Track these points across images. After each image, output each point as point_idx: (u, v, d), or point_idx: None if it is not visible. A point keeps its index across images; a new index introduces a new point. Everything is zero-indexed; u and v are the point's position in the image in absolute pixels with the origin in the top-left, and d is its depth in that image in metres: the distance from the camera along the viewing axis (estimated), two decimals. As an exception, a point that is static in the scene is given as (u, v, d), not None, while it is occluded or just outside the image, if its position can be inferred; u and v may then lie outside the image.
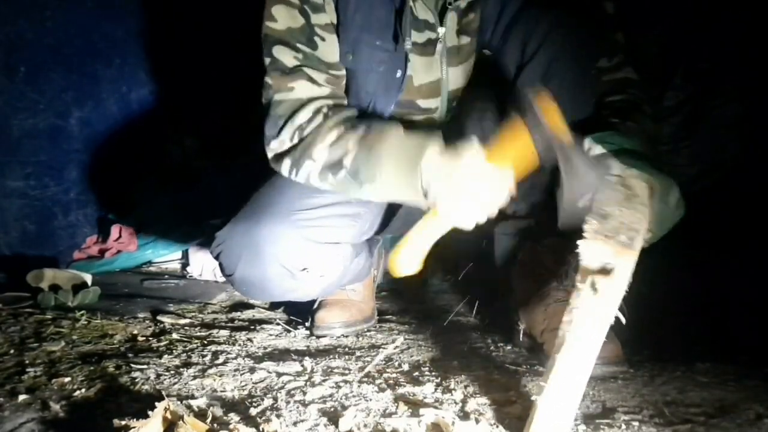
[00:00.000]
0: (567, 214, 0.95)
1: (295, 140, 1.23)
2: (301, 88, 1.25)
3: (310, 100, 1.25)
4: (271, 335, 1.37)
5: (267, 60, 1.28)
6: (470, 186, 1.03)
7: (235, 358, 1.18)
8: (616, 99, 1.25)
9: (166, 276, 2.01)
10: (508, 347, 1.31)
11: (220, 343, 1.27)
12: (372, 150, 1.15)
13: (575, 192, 0.93)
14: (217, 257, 1.29)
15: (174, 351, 1.21)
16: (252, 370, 1.11)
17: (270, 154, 1.27)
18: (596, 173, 0.92)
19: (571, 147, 0.93)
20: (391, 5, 1.27)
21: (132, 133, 2.38)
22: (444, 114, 1.40)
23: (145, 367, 1.09)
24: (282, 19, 1.27)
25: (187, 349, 1.22)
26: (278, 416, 0.90)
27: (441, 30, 1.31)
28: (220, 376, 1.08)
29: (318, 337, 1.39)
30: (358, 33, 1.27)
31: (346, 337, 1.38)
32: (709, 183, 1.94)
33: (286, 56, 1.27)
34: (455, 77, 1.36)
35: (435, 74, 1.35)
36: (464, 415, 0.92)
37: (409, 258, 1.05)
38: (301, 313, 1.50)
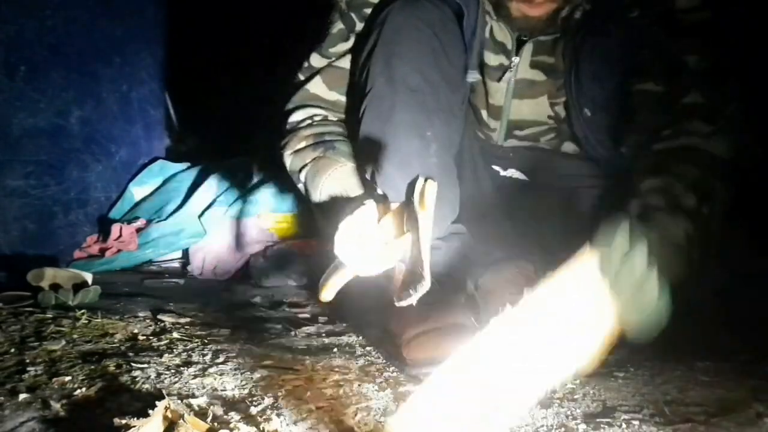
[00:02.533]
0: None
1: (286, 132, 1.32)
2: (314, 87, 1.34)
3: (314, 99, 1.33)
4: (272, 334, 1.37)
5: (305, 63, 1.38)
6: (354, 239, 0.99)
7: (236, 357, 1.18)
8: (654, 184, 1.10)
9: (167, 275, 2.01)
10: (509, 346, 1.31)
11: (220, 342, 1.27)
12: (317, 176, 1.21)
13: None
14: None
15: (174, 350, 1.21)
16: (252, 369, 1.11)
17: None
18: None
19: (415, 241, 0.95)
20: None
21: (132, 132, 2.38)
22: (503, 137, 1.42)
23: (145, 366, 1.09)
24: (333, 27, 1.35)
25: (188, 348, 1.22)
26: (279, 415, 0.90)
27: (515, 59, 1.29)
28: (220, 375, 1.08)
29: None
30: None
31: (349, 336, 1.38)
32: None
33: (316, 60, 1.36)
34: (518, 109, 1.35)
35: (498, 100, 1.35)
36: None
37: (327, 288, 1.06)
38: (301, 313, 1.49)
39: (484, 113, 1.40)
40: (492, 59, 1.31)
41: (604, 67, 1.24)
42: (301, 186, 1.28)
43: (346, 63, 1.33)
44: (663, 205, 1.06)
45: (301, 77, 1.37)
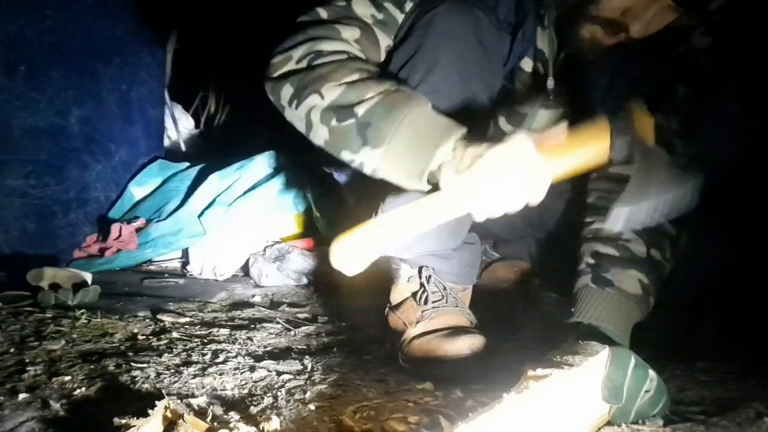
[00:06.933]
0: (626, 213, 0.91)
1: (304, 64, 1.07)
2: (348, 33, 1.12)
3: (346, 42, 1.11)
4: (271, 334, 1.37)
5: (340, 2, 1.16)
6: (505, 165, 0.89)
7: (236, 356, 1.18)
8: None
9: (166, 275, 2.01)
10: (508, 345, 1.31)
11: (220, 342, 1.27)
12: (395, 108, 0.98)
13: (647, 189, 0.91)
14: None
15: (174, 350, 1.21)
16: (252, 369, 1.11)
17: (268, 72, 1.11)
18: (675, 179, 0.93)
19: (655, 153, 0.93)
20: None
21: (132, 131, 2.38)
22: None
23: (145, 365, 1.09)
24: None
25: (187, 347, 1.23)
26: (278, 415, 0.90)
27: (550, 68, 1.26)
28: (220, 374, 1.08)
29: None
30: None
31: (347, 331, 1.38)
32: (708, 183, 1.94)
33: (362, 7, 1.15)
34: (541, 119, 1.33)
35: (525, 108, 1.32)
36: (465, 412, 0.92)
37: (360, 251, 0.90)
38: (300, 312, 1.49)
39: (501, 119, 1.36)
40: (528, 65, 1.28)
41: (620, 82, 1.23)
42: (350, 122, 1.01)
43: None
44: (617, 255, 1.08)
45: (325, 14, 1.15)
